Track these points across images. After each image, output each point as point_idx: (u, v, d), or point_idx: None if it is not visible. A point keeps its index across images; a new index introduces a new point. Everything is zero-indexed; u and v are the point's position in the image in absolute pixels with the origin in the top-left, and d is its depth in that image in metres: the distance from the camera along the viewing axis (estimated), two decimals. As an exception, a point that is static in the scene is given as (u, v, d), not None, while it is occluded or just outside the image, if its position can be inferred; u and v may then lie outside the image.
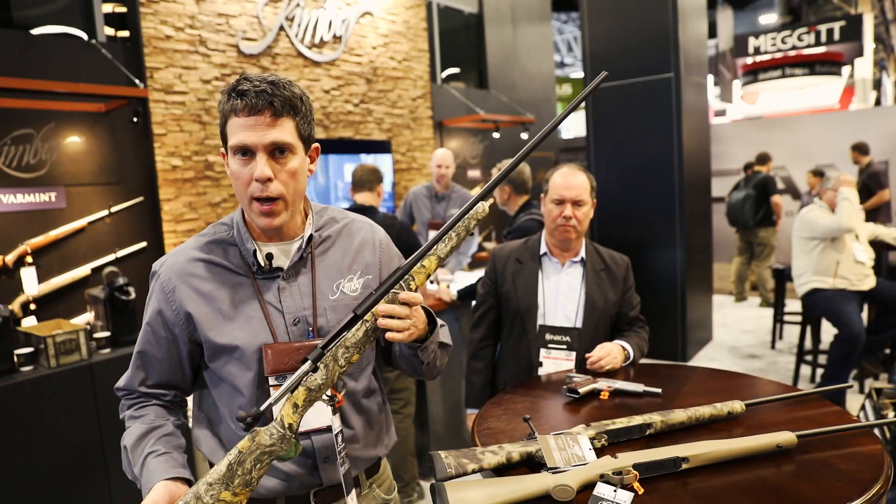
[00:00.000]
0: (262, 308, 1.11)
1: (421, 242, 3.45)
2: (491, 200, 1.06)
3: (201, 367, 1.18)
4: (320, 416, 1.11)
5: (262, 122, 1.03)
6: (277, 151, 1.05)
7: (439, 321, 1.23)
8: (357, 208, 2.99)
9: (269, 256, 1.12)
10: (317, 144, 1.15)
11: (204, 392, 1.19)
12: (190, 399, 1.26)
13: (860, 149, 6.65)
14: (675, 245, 4.73)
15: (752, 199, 6.27)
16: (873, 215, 6.06)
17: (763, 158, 6.54)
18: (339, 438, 1.09)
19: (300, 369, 0.92)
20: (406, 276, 0.99)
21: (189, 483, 1.02)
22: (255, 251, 1.13)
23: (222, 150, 1.11)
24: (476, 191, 6.58)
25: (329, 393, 1.04)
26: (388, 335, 0.98)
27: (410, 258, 1.00)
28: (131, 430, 1.11)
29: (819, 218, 3.62)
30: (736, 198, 6.40)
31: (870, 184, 6.22)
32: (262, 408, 0.88)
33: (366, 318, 0.97)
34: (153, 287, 1.15)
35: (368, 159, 5.42)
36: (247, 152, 1.05)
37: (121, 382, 1.18)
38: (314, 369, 0.93)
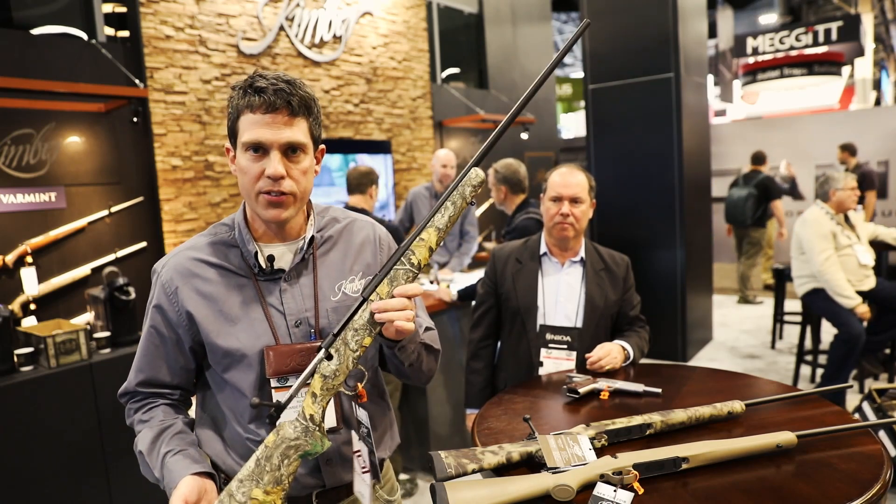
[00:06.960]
0: (264, 310, 1.11)
1: None
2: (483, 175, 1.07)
3: (203, 367, 1.17)
4: (326, 417, 1.10)
5: (279, 120, 1.03)
6: (290, 150, 1.06)
7: (426, 323, 1.23)
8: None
9: (271, 258, 1.12)
10: (323, 146, 1.16)
11: (207, 393, 1.19)
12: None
13: (849, 149, 6.63)
14: (675, 245, 4.73)
15: (753, 198, 6.24)
16: None
17: (760, 158, 6.50)
18: (366, 434, 1.07)
19: (315, 358, 0.94)
20: (406, 252, 0.98)
21: (211, 476, 1.04)
22: (256, 253, 1.12)
23: (227, 145, 1.11)
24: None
25: (350, 384, 1.04)
26: (395, 325, 0.96)
27: (411, 235, 0.99)
28: (143, 435, 1.11)
29: (815, 249, 3.53)
30: (737, 195, 6.34)
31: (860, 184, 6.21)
32: (283, 401, 0.91)
33: (371, 298, 0.97)
34: (155, 287, 1.15)
35: (368, 160, 5.42)
36: (259, 149, 1.05)
37: (125, 387, 1.18)
38: (328, 357, 0.94)
